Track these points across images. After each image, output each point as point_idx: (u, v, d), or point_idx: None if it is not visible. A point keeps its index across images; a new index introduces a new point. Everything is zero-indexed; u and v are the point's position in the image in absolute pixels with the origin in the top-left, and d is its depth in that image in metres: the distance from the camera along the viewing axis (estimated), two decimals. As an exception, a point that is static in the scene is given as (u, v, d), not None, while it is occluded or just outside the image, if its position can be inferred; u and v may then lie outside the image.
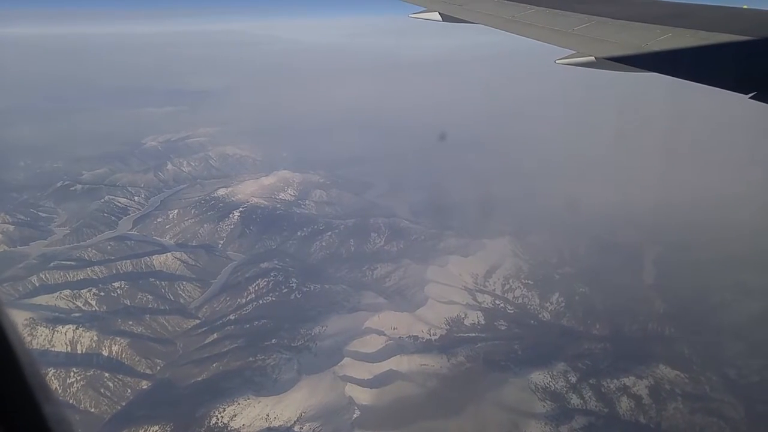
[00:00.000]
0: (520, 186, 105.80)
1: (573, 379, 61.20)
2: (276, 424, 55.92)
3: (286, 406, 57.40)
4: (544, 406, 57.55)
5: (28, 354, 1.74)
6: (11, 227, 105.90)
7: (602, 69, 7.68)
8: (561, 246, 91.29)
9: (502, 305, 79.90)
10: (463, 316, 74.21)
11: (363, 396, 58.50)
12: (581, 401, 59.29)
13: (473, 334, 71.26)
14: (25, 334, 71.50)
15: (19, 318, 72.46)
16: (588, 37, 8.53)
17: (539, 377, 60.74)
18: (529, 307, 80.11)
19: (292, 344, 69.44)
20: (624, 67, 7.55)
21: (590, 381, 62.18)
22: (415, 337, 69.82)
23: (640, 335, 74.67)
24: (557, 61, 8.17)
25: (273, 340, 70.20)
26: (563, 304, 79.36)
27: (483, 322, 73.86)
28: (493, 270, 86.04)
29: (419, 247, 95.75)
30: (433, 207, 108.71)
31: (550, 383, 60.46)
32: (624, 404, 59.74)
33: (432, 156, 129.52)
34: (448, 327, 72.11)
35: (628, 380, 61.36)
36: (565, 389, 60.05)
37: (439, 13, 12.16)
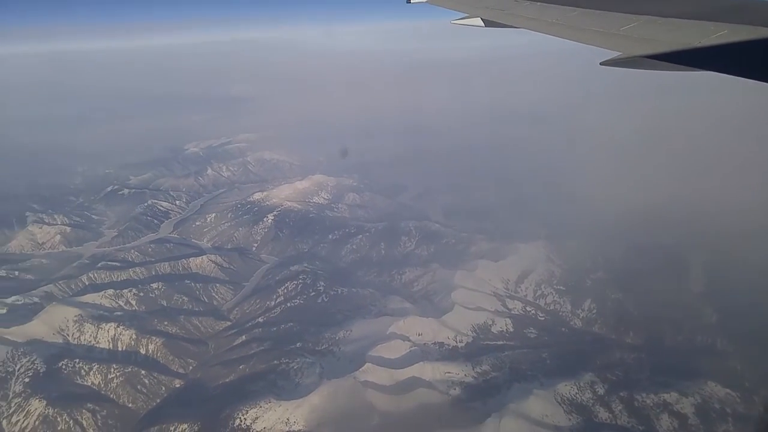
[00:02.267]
0: (556, 188, 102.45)
1: (601, 391, 57.67)
2: (295, 428, 55.41)
3: (306, 411, 56.79)
4: (570, 419, 54.67)
5: None
6: (68, 229, 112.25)
7: (650, 69, 7.06)
8: (595, 250, 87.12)
9: (532, 312, 76.82)
10: (490, 323, 71.79)
11: (384, 402, 57.28)
12: (610, 415, 55.65)
13: (501, 342, 68.75)
14: (74, 330, 74.64)
15: (69, 314, 76.21)
16: (635, 38, 7.89)
17: (566, 388, 57.56)
18: (560, 313, 76.63)
19: (316, 348, 69.14)
20: (673, 67, 6.86)
21: (620, 394, 58.40)
22: (441, 344, 67.91)
23: (686, 347, 68.73)
24: (602, 63, 7.56)
25: (298, 344, 70.12)
26: (595, 310, 75.62)
27: (511, 330, 71.18)
28: (524, 275, 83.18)
29: (449, 251, 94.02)
30: (466, 210, 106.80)
31: (577, 395, 57.21)
32: (665, 422, 54.96)
33: (467, 158, 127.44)
34: (475, 334, 69.81)
35: (670, 396, 56.64)
36: (591, 401, 56.66)
37: (481, 18, 11.89)
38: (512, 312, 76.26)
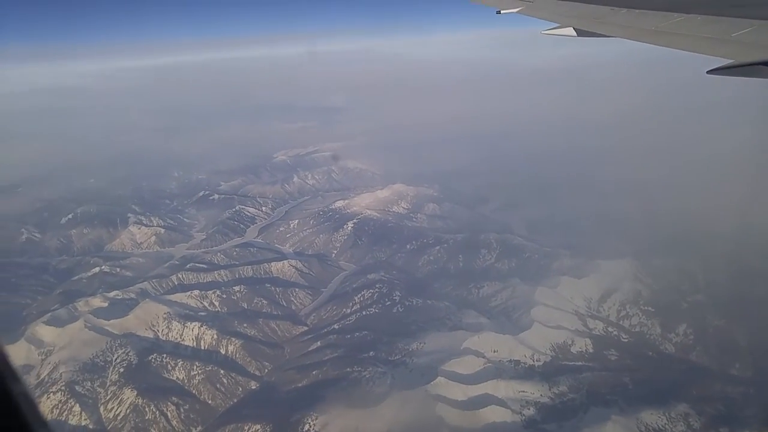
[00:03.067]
0: (648, 202, 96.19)
1: (696, 425, 53.52)
2: (364, 437, 55.94)
3: (376, 420, 57.08)
4: (655, 451, 51.00)
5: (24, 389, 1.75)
6: (162, 230, 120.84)
7: (766, 78, 6.61)
8: (694, 271, 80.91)
9: (615, 333, 73.00)
10: (570, 342, 68.93)
11: (453, 417, 56.38)
12: None
13: (580, 363, 65.88)
14: (163, 327, 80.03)
15: (160, 311, 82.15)
16: (749, 44, 7.35)
17: (652, 417, 53.94)
18: (648, 336, 72.13)
19: (389, 358, 69.29)
20: None
21: (720, 429, 53.83)
22: (516, 362, 66.05)
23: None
24: (710, 72, 7.07)
25: (371, 353, 70.69)
26: (692, 336, 70.16)
27: (591, 351, 68.01)
28: (608, 294, 79.21)
29: (531, 266, 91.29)
30: (551, 223, 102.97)
31: (666, 426, 53.37)
32: (768, 464, 50.69)
33: (553, 168, 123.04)
34: (554, 353, 67.35)
35: None
36: None
37: (574, 28, 11.63)
38: (593, 332, 72.95)
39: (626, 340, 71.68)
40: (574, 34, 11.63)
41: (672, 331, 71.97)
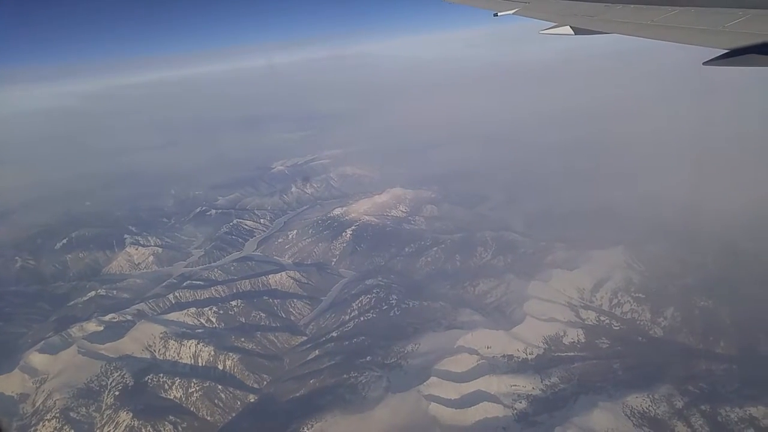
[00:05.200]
0: (639, 191, 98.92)
1: (679, 404, 56.14)
2: (358, 441, 58.38)
3: (370, 424, 59.53)
4: (641, 433, 53.45)
5: None
6: (160, 250, 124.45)
7: (759, 66, 7.07)
8: (683, 256, 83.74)
9: (607, 321, 75.71)
10: (562, 333, 71.46)
11: (446, 416, 58.70)
12: (688, 430, 54.08)
13: (572, 354, 68.40)
14: (160, 346, 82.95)
15: (156, 331, 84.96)
16: (742, 33, 7.64)
17: (637, 401, 56.69)
18: (638, 322, 75.07)
19: (385, 362, 71.73)
20: None
21: (702, 407, 56.21)
22: (509, 357, 68.53)
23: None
24: (705, 63, 7.60)
25: (368, 357, 73.16)
26: (679, 319, 73.15)
27: (583, 341, 70.63)
28: (601, 283, 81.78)
29: (526, 261, 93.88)
30: (548, 217, 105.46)
31: (650, 408, 56.00)
32: (748, 438, 52.89)
33: (550, 163, 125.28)
34: (546, 346, 69.87)
35: (757, 410, 54.25)
36: (667, 415, 55.30)
37: (570, 26, 11.94)
38: (585, 322, 75.54)
39: (617, 328, 74.27)
40: (571, 32, 11.95)
41: (661, 316, 74.84)
